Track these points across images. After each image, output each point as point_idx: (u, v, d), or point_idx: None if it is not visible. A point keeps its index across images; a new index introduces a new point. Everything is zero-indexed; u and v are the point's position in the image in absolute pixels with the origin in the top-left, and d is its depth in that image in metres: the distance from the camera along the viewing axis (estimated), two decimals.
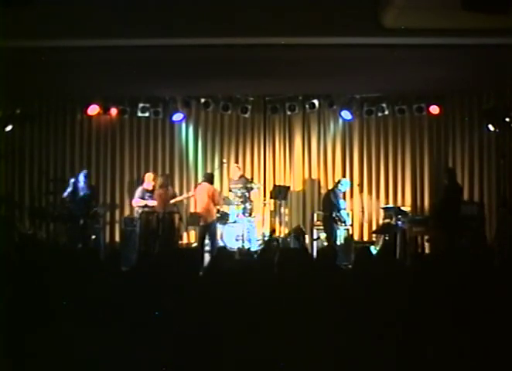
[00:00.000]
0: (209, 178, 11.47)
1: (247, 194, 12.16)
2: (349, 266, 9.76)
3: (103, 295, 4.43)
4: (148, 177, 12.11)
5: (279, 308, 4.07)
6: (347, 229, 12.00)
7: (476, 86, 12.05)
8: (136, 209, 11.92)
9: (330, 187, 12.85)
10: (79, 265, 6.05)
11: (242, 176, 12.62)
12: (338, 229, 11.65)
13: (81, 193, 11.47)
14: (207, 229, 11.18)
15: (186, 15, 9.67)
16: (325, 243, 12.02)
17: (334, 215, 11.53)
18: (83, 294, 4.54)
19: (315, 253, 10.18)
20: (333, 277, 5.47)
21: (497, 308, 4.00)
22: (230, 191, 12.53)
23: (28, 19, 8.75)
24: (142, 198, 11.73)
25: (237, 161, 13.29)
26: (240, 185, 12.26)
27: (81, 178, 11.68)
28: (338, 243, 11.56)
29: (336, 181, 12.37)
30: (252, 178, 12.89)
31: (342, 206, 11.73)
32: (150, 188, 11.87)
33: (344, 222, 11.70)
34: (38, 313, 3.82)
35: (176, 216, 11.80)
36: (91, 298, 4.40)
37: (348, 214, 12.06)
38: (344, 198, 12.27)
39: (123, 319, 3.78)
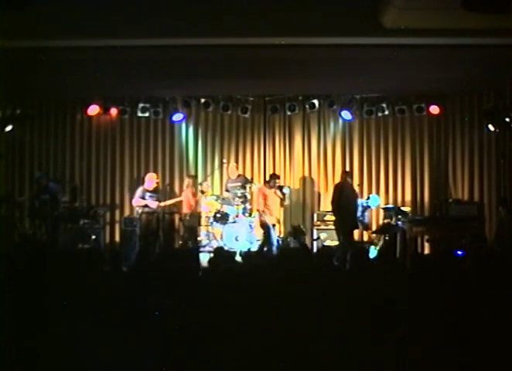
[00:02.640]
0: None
1: (247, 194, 12.14)
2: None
3: (102, 295, 4.43)
4: (150, 177, 12.08)
5: (279, 307, 4.07)
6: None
7: (476, 86, 12.05)
8: (136, 209, 11.91)
9: (329, 188, 12.91)
10: (76, 265, 6.06)
11: (240, 175, 12.61)
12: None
13: (45, 194, 11.40)
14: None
15: (186, 16, 9.67)
16: (325, 243, 12.05)
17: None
18: (82, 294, 4.55)
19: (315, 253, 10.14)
20: (333, 276, 5.47)
21: (498, 308, 4.00)
22: (227, 191, 12.51)
23: (28, 19, 8.75)
24: (143, 198, 11.72)
25: (237, 161, 13.28)
26: (239, 184, 12.25)
27: (39, 180, 11.65)
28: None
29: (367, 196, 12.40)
30: (252, 179, 12.88)
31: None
32: (151, 188, 11.86)
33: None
34: (37, 313, 3.83)
35: (176, 217, 11.80)
36: (91, 298, 4.40)
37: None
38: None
39: (122, 319, 3.78)
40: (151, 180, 11.99)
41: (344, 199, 10.98)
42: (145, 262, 6.59)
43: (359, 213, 11.75)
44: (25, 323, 3.51)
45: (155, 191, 11.90)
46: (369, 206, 12.15)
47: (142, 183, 12.21)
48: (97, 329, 3.53)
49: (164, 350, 3.46)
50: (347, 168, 13.15)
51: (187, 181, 12.06)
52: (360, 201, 11.92)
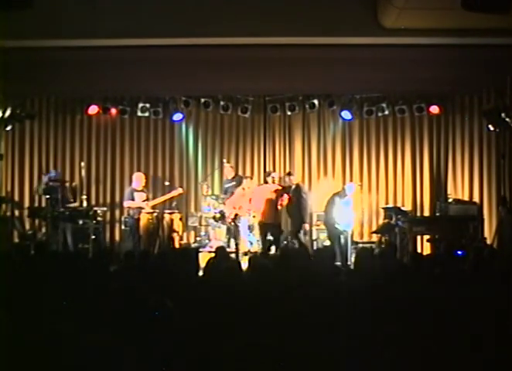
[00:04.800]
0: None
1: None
2: (349, 267, 9.76)
3: (101, 295, 4.43)
4: (138, 176, 11.93)
5: (279, 307, 4.07)
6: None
7: (476, 86, 12.05)
8: (127, 210, 11.82)
9: (329, 188, 12.92)
10: (75, 265, 6.06)
11: (236, 176, 12.57)
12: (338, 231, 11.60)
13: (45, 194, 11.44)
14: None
15: (186, 16, 9.69)
16: (325, 243, 12.02)
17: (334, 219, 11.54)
18: (81, 294, 4.55)
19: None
20: (332, 276, 5.48)
21: (497, 308, 4.00)
22: (225, 192, 12.48)
23: (28, 19, 8.76)
24: (132, 199, 11.58)
25: (237, 161, 13.30)
26: (234, 184, 12.22)
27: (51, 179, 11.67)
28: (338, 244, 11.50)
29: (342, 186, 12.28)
30: (252, 178, 12.86)
31: (342, 213, 11.64)
32: (139, 188, 11.71)
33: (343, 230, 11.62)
34: (36, 313, 3.82)
35: (177, 216, 11.76)
36: (90, 298, 4.40)
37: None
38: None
39: (122, 319, 3.78)
40: (138, 179, 11.84)
41: (293, 205, 11.25)
42: (144, 262, 6.59)
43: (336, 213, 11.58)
44: (26, 322, 3.50)
45: (143, 190, 11.78)
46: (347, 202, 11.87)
47: (130, 183, 12.09)
48: (97, 329, 3.53)
49: (164, 350, 3.46)
50: (344, 166, 13.25)
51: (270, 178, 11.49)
52: (339, 200, 11.69)
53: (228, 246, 11.34)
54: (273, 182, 11.46)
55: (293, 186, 11.50)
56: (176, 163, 13.46)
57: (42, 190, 11.59)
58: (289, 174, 11.91)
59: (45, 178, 11.79)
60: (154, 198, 12.03)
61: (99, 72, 10.90)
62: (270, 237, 11.24)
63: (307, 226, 11.52)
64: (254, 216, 11.97)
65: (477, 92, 12.52)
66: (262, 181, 12.58)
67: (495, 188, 12.31)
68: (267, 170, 12.63)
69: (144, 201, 11.60)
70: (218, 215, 12.08)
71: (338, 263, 9.73)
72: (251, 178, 12.07)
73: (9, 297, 4.13)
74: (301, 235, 11.44)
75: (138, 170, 13.12)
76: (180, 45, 10.29)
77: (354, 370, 3.15)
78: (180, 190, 12.32)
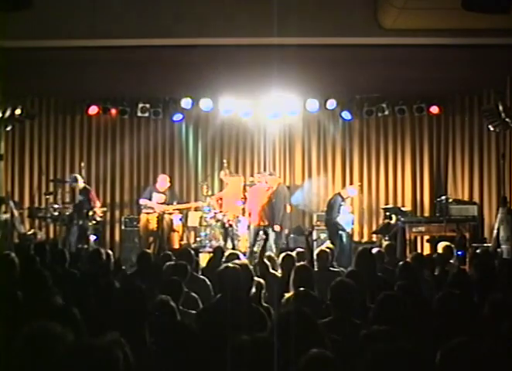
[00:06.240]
0: None
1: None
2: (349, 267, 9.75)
3: (101, 295, 4.44)
4: (162, 178, 11.84)
5: (278, 306, 4.07)
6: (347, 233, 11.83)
7: (476, 86, 12.06)
8: (142, 208, 11.83)
9: (329, 188, 12.92)
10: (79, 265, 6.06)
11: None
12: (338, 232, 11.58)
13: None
14: None
15: (186, 16, 9.71)
16: (325, 243, 12.02)
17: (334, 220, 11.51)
18: (82, 294, 4.55)
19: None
20: (332, 277, 5.47)
21: (497, 308, 4.00)
22: None
23: (28, 19, 8.77)
24: (149, 198, 11.56)
25: (237, 161, 13.33)
26: None
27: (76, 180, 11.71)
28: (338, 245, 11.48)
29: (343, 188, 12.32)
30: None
31: (341, 214, 11.62)
32: (161, 189, 11.64)
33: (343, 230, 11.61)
34: (36, 313, 3.82)
35: (177, 216, 11.75)
36: (89, 298, 4.41)
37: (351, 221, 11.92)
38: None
39: (122, 319, 3.78)
40: (163, 181, 11.77)
41: (272, 204, 11.28)
42: (145, 262, 6.59)
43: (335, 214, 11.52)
44: (25, 323, 3.50)
45: (164, 193, 11.70)
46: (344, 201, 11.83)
47: (154, 183, 12.04)
48: (96, 329, 3.53)
49: (163, 350, 3.46)
50: (344, 167, 13.26)
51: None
52: (339, 201, 11.67)
53: (226, 246, 11.34)
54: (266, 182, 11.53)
55: (274, 187, 11.51)
56: (176, 163, 13.46)
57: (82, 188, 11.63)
58: (270, 174, 11.93)
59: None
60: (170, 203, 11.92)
61: (99, 72, 10.90)
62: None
63: (278, 228, 11.44)
64: (250, 216, 12.00)
65: (477, 92, 12.53)
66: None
67: (495, 188, 12.31)
68: (267, 170, 12.65)
69: (161, 204, 11.49)
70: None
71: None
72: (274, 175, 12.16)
73: (9, 297, 4.13)
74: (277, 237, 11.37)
75: (138, 170, 13.17)
76: (180, 46, 10.30)
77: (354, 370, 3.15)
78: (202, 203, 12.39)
